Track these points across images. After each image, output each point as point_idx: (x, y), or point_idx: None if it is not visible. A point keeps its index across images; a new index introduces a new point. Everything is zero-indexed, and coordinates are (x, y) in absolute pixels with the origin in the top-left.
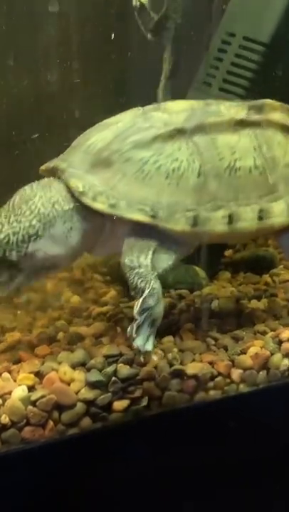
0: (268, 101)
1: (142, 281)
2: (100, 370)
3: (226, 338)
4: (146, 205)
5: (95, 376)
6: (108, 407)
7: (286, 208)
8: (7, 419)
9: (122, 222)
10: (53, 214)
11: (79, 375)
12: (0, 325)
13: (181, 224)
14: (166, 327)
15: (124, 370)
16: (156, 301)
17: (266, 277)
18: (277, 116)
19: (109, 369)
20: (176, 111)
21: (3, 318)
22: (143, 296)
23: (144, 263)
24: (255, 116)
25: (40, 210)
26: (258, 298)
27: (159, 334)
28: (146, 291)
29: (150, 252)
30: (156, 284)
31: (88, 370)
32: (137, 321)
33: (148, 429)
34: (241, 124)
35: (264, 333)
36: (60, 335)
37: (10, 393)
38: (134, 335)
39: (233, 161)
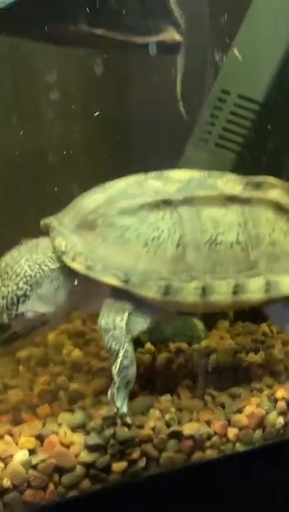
0: (269, 178)
1: (116, 343)
2: (99, 433)
3: (223, 396)
4: (121, 270)
5: (94, 439)
6: (107, 469)
7: (264, 284)
8: (8, 483)
9: (102, 283)
10: (39, 275)
11: (78, 438)
12: (2, 382)
13: (152, 292)
14: (165, 384)
15: (123, 432)
16: (130, 363)
17: (264, 327)
18: (274, 193)
19: (108, 432)
20: (174, 180)
21: (4, 375)
22: (120, 358)
23: (119, 325)
24: (246, 193)
25: (27, 272)
26: (256, 351)
27: (158, 392)
28: (121, 353)
29: (126, 315)
30: (129, 347)
31: (87, 432)
32: (117, 384)
33: (146, 489)
34: (230, 199)
35: (260, 390)
36: (61, 393)
37: (12, 457)
38: (115, 397)
39: (215, 234)
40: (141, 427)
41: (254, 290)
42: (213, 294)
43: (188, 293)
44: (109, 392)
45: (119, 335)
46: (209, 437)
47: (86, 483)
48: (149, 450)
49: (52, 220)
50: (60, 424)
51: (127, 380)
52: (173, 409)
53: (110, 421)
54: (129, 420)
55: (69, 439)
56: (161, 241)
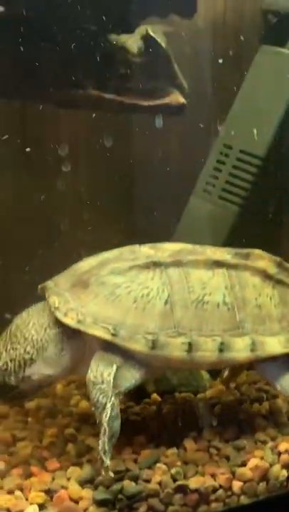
0: (256, 251)
1: (103, 396)
2: (107, 487)
3: (228, 448)
4: (110, 324)
5: (102, 495)
6: None
7: (250, 344)
8: None
9: (94, 339)
10: (45, 339)
11: (87, 493)
12: (11, 434)
13: (140, 345)
14: (171, 436)
15: (130, 487)
16: (116, 416)
17: None
18: (261, 263)
19: (116, 487)
20: (166, 249)
21: (14, 427)
22: (108, 409)
23: (107, 379)
24: (233, 260)
25: (34, 336)
26: (260, 401)
27: (165, 444)
28: (109, 405)
29: (114, 369)
30: (116, 401)
31: (96, 487)
32: (107, 433)
33: None
34: (218, 264)
35: (264, 442)
36: (70, 446)
37: None
38: (106, 446)
39: (202, 295)
40: (148, 481)
41: (239, 349)
42: (199, 350)
43: (175, 348)
44: (100, 445)
45: (106, 388)
46: (214, 490)
47: None
48: (155, 504)
49: (48, 282)
50: (68, 479)
51: (113, 432)
52: (179, 463)
53: (119, 475)
54: (111, 474)
55: (77, 494)
56: (150, 298)
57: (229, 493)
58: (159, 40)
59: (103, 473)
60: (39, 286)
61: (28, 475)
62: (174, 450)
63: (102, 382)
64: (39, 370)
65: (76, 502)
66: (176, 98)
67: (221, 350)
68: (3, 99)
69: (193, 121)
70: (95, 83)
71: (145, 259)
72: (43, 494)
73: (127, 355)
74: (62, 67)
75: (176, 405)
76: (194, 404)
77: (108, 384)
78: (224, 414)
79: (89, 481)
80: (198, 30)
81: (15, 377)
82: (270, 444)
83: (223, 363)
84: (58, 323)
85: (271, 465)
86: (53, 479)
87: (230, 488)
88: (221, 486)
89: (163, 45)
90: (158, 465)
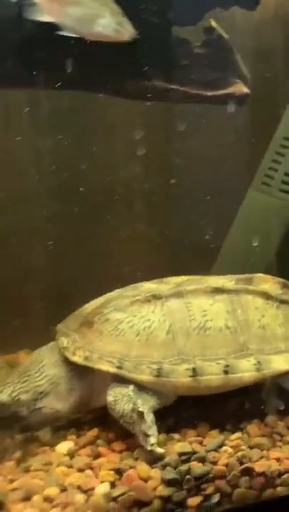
0: (259, 275)
1: (127, 403)
2: (174, 468)
3: None
4: (115, 357)
5: (170, 474)
6: (183, 503)
7: (255, 364)
8: None
9: (105, 373)
10: (58, 375)
11: (155, 473)
12: (77, 417)
13: (145, 374)
14: (234, 423)
15: (198, 468)
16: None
17: None
18: (264, 286)
19: (184, 467)
20: (169, 282)
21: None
22: (138, 405)
23: (127, 394)
24: (234, 286)
25: (47, 371)
26: None
27: (228, 430)
28: (137, 402)
29: (131, 388)
30: (138, 401)
31: (163, 467)
32: (148, 422)
33: None
34: (218, 291)
35: None
36: None
37: (93, 489)
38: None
39: (203, 321)
40: (214, 463)
41: (245, 369)
42: (204, 374)
43: (180, 374)
44: (142, 441)
45: (128, 398)
46: (280, 475)
47: None
48: (222, 486)
49: (58, 325)
50: (136, 459)
51: (150, 420)
52: (244, 447)
53: (186, 456)
54: (160, 450)
55: (146, 473)
56: (152, 329)
57: None
58: (221, 31)
59: (148, 448)
60: (52, 330)
61: (96, 455)
62: (238, 435)
63: (123, 396)
64: (50, 404)
65: (145, 481)
66: (240, 88)
67: (226, 373)
68: (71, 90)
69: (254, 113)
70: (160, 74)
71: (146, 293)
72: (112, 473)
73: (138, 386)
74: (128, 59)
75: (237, 391)
76: (257, 391)
77: (129, 396)
78: (286, 401)
79: (156, 462)
80: (261, 21)
81: (27, 408)
82: None
83: (230, 385)
84: (69, 362)
85: None
86: (121, 459)
87: None
88: (286, 471)
89: (226, 36)
90: (224, 448)
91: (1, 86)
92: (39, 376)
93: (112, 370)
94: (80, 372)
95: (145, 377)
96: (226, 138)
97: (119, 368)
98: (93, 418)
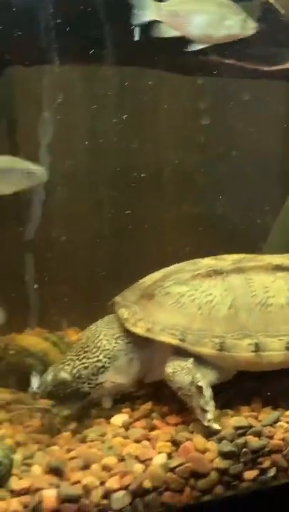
0: None
1: (186, 375)
2: (231, 441)
3: None
4: (177, 330)
5: (227, 447)
6: (239, 476)
7: None
8: (149, 484)
9: (164, 346)
10: (116, 348)
11: (212, 446)
12: (129, 392)
13: (208, 348)
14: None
15: (254, 442)
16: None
17: None
18: None
19: (240, 441)
20: (227, 259)
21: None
22: (197, 379)
23: (186, 366)
24: None
25: (106, 346)
26: None
27: (282, 407)
28: (197, 376)
29: (190, 361)
30: (197, 374)
31: (219, 440)
32: (206, 397)
33: (275, 497)
34: (278, 268)
35: None
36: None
37: (150, 460)
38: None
39: (265, 298)
40: (270, 437)
41: None
42: (266, 350)
43: (242, 349)
44: (200, 417)
45: (187, 371)
46: None
47: (219, 489)
48: (278, 460)
49: (116, 298)
50: (191, 432)
51: (208, 397)
52: None
53: (242, 430)
54: (217, 426)
55: (203, 446)
56: (214, 304)
57: None
58: (278, 7)
59: (206, 423)
60: (108, 303)
61: (151, 428)
62: None
63: (182, 369)
64: (110, 378)
65: (202, 453)
66: None
67: (288, 349)
68: (127, 65)
69: None
70: (216, 49)
71: (206, 268)
72: (169, 444)
73: (198, 359)
74: None
75: None
76: None
77: (188, 369)
78: None
79: (212, 436)
80: None
81: (88, 384)
82: None
83: None
84: (127, 334)
85: None
86: (177, 432)
87: None
88: None
89: (282, 11)
90: (279, 423)
91: (61, 63)
92: (97, 351)
93: (175, 342)
94: (138, 345)
95: (207, 350)
96: (283, 114)
97: (181, 340)
98: (146, 393)
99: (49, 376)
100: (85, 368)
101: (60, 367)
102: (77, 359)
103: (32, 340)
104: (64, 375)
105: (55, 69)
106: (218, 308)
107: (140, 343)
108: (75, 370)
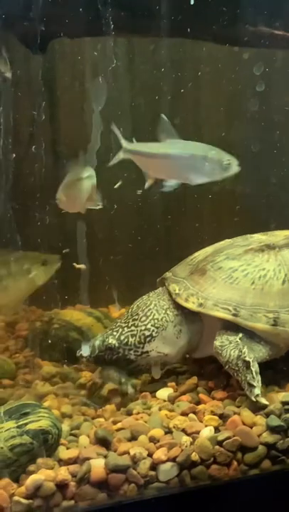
0: None
1: (234, 350)
2: (278, 416)
3: None
4: (230, 305)
5: (276, 422)
6: (287, 451)
7: None
8: (197, 457)
9: (215, 321)
10: (165, 319)
11: (260, 420)
12: (173, 367)
13: (261, 323)
14: None
15: None
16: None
17: None
18: None
19: (288, 415)
20: (279, 235)
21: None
22: (244, 354)
23: (235, 340)
24: None
25: (155, 315)
26: None
27: None
28: (243, 350)
29: (239, 335)
30: (244, 349)
31: (267, 415)
32: (253, 372)
33: None
34: None
35: None
36: (233, 380)
37: (198, 432)
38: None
39: None
40: None
41: None
42: None
43: None
44: (248, 391)
45: (235, 345)
46: None
47: (266, 463)
48: None
49: (166, 274)
50: (238, 406)
51: (255, 370)
52: None
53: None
54: (265, 401)
55: (251, 420)
56: (267, 279)
57: None
58: None
59: (253, 398)
60: (157, 280)
61: (197, 402)
62: None
63: (230, 342)
64: (157, 348)
65: (250, 427)
66: None
67: None
68: (174, 37)
69: None
70: (265, 19)
71: (258, 243)
72: (216, 418)
73: (248, 333)
74: (232, 4)
75: None
76: None
77: (236, 343)
78: None
79: (259, 411)
80: None
81: (134, 351)
82: None
83: None
84: (177, 308)
85: None
86: (224, 406)
87: None
88: None
89: None
90: None
91: (106, 33)
92: (146, 320)
93: (228, 317)
94: (188, 319)
95: (261, 325)
96: None
97: (235, 315)
98: (190, 369)
99: (97, 341)
100: (133, 335)
101: (109, 333)
102: (126, 326)
103: (76, 314)
104: (111, 340)
105: (100, 41)
106: (272, 283)
107: (190, 317)
108: (122, 337)
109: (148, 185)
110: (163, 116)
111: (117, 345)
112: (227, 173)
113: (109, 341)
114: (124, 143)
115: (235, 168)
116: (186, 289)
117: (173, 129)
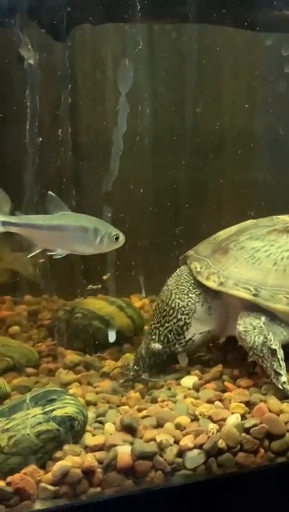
0: None
1: (258, 336)
2: None
3: None
4: (251, 285)
5: None
6: None
7: None
8: (223, 444)
9: (236, 300)
10: (191, 302)
11: (287, 407)
12: (198, 356)
13: (282, 304)
14: None
15: None
16: (279, 344)
17: None
18: None
19: None
20: None
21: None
22: (270, 341)
23: (258, 325)
24: None
25: (180, 304)
26: None
27: None
28: (269, 337)
29: (262, 319)
30: (269, 335)
31: None
32: (278, 363)
33: None
34: None
35: None
36: (258, 368)
37: (224, 420)
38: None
39: None
40: None
41: None
42: None
43: None
44: (274, 379)
45: (259, 330)
46: None
47: None
48: None
49: (188, 252)
50: (264, 394)
51: (282, 359)
52: None
53: None
54: None
55: (278, 407)
56: None
57: None
58: None
59: (279, 386)
60: (180, 258)
61: (222, 390)
62: None
63: (254, 328)
64: (197, 331)
65: (277, 415)
66: None
67: None
68: (198, 23)
69: None
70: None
71: (283, 224)
72: (243, 405)
73: (270, 315)
74: None
75: None
76: None
77: (260, 328)
78: None
79: (286, 398)
80: None
81: (179, 344)
82: None
83: None
84: (199, 286)
85: None
86: (250, 394)
87: None
88: None
89: None
90: None
91: (129, 21)
92: (174, 312)
93: (248, 297)
94: (210, 295)
95: (281, 306)
96: None
97: (255, 295)
98: (215, 357)
99: (142, 350)
100: (170, 331)
101: (149, 338)
102: (160, 325)
103: (98, 304)
104: (154, 345)
105: (122, 27)
106: None
107: (211, 294)
108: (162, 337)
109: (33, 254)
110: (50, 192)
111: (161, 347)
112: (116, 245)
113: (153, 347)
114: (3, 217)
115: (121, 240)
116: (208, 267)
117: (61, 202)
